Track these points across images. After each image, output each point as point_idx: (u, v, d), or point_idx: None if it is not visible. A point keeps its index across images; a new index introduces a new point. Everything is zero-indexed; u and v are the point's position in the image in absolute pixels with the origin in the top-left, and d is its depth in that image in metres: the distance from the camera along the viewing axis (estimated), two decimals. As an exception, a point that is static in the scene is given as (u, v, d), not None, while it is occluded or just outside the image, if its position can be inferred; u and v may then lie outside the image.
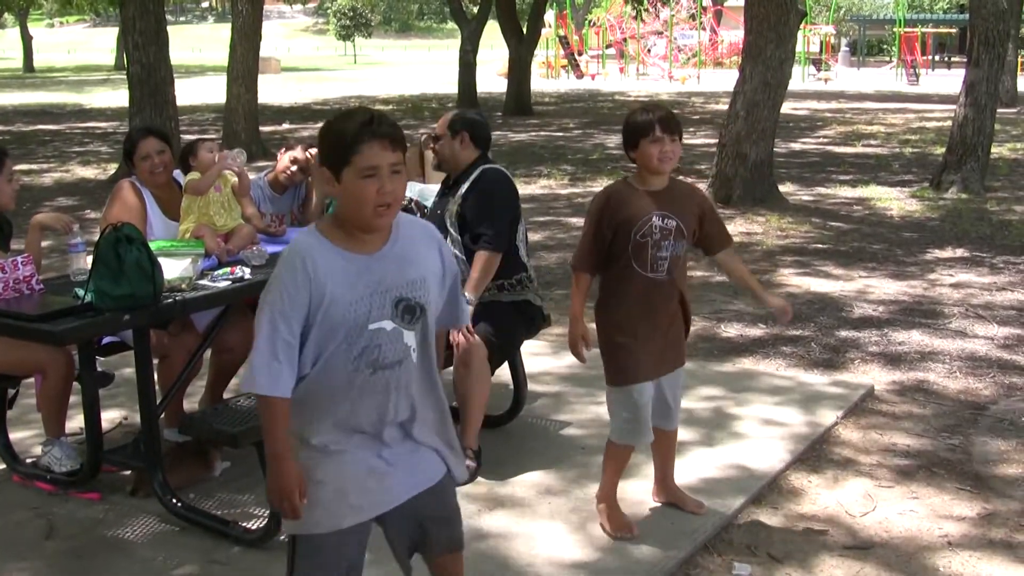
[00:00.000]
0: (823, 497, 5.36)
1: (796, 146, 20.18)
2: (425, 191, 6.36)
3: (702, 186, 14.34)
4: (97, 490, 5.48)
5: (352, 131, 3.32)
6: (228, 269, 5.48)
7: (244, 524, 5.02)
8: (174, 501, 5.17)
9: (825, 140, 21.44)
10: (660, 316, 4.81)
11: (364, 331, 3.33)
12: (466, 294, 5.63)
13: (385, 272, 3.38)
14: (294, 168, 6.61)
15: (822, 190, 15.05)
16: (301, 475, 3.35)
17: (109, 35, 68.91)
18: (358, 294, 3.33)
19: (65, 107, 34.62)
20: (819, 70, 42.76)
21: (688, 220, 4.76)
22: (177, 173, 6.19)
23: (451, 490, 3.70)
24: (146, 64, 15.50)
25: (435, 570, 3.78)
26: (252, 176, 6.59)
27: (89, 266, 4.96)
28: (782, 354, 7.57)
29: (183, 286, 5.17)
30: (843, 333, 8.05)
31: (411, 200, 6.24)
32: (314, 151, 6.63)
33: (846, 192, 14.86)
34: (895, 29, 48.13)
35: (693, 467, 5.63)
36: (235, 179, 6.07)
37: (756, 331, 8.14)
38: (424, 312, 3.43)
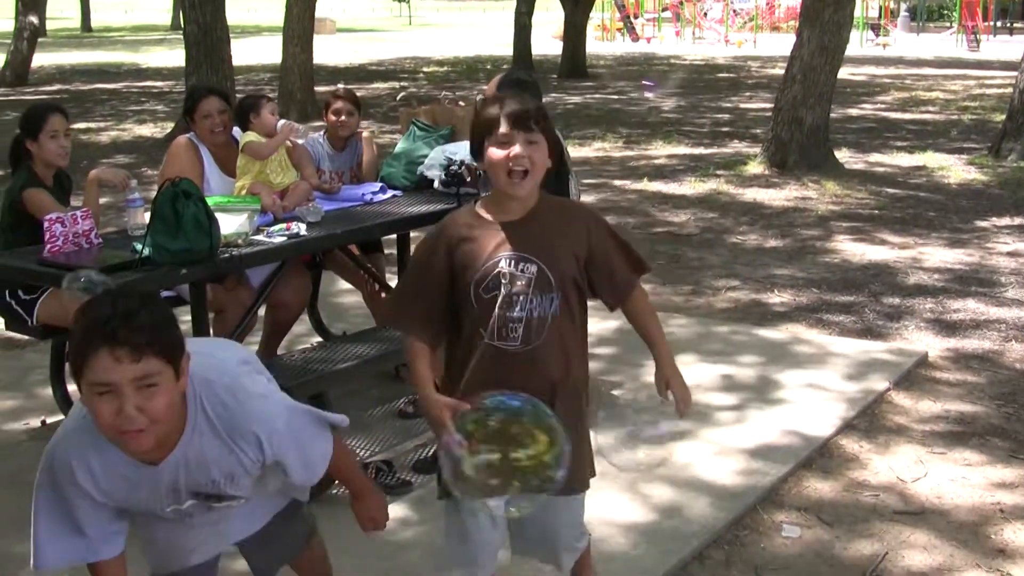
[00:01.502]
0: (874, 462, 5.34)
1: (853, 112, 19.97)
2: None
3: (756, 151, 14.26)
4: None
5: (79, 337, 2.57)
6: (284, 225, 5.52)
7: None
8: (228, 454, 5.23)
9: (882, 106, 21.20)
10: None
11: (162, 512, 2.96)
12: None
13: (175, 480, 2.87)
14: (343, 118, 6.63)
15: (878, 156, 14.90)
16: None
17: (166, -5, 69.28)
18: (144, 497, 2.88)
19: (122, 66, 34.80)
20: (877, 35, 42.22)
21: (560, 263, 3.34)
22: (237, 132, 6.23)
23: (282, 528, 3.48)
24: (202, 24, 15.57)
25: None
26: (311, 135, 6.63)
27: (147, 221, 5.02)
28: (835, 320, 7.53)
29: (239, 241, 5.21)
30: (897, 300, 7.99)
31: (462, 163, 6.25)
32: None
33: (903, 159, 14.70)
34: (956, -6, 47.51)
35: (744, 431, 5.63)
36: (290, 143, 6.12)
37: (810, 297, 8.10)
38: (236, 497, 3.02)
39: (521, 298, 3.30)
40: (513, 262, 3.30)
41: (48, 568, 2.89)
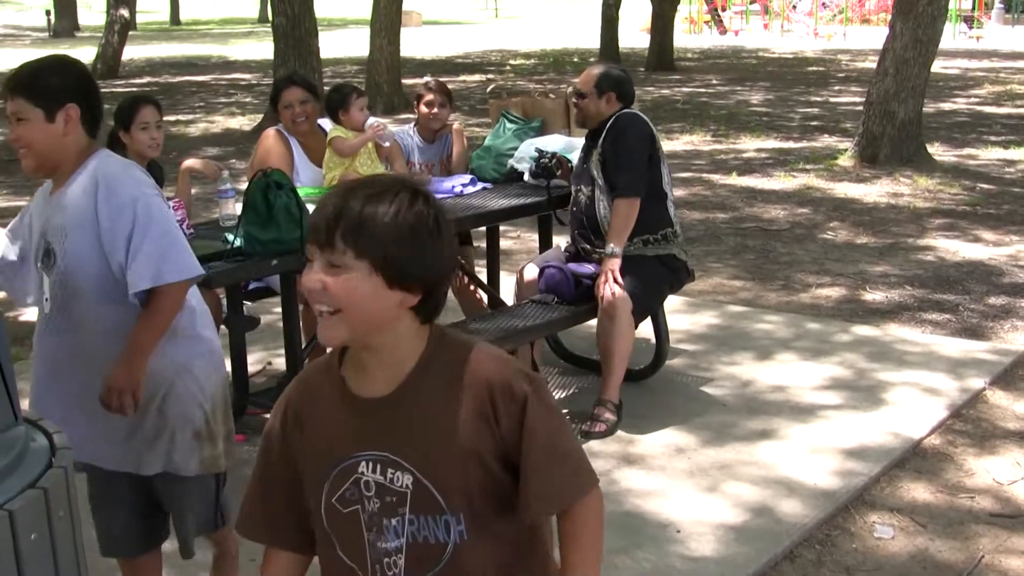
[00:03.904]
0: (970, 463, 5.24)
1: (946, 106, 19.65)
2: (570, 144, 6.33)
3: (846, 146, 14.06)
4: (242, 432, 5.58)
5: None
6: (373, 217, 5.52)
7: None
8: (316, 445, 5.25)
9: (976, 100, 20.84)
10: None
11: (32, 267, 3.44)
12: (611, 245, 5.61)
13: (45, 216, 3.38)
14: (435, 110, 6.62)
15: (972, 151, 14.64)
16: None
17: (254, -12, 69.89)
18: (30, 230, 3.46)
19: (210, 59, 35.15)
20: (970, 28, 41.55)
21: (452, 471, 2.14)
22: (325, 121, 6.25)
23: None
24: (291, 16, 15.68)
25: None
26: (396, 128, 6.64)
27: (238, 211, 5.04)
28: (930, 318, 7.40)
29: (330, 233, 5.21)
30: (993, 299, 7.83)
31: (553, 155, 6.21)
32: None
33: (997, 153, 14.43)
34: (1052, -14, 46.62)
35: (838, 430, 5.55)
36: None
37: (903, 294, 7.97)
38: (55, 259, 3.32)
39: (392, 521, 2.17)
40: (378, 467, 2.16)
41: None
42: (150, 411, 3.43)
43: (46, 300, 3.36)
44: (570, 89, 6.09)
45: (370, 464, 2.14)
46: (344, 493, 2.17)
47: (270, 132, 6.19)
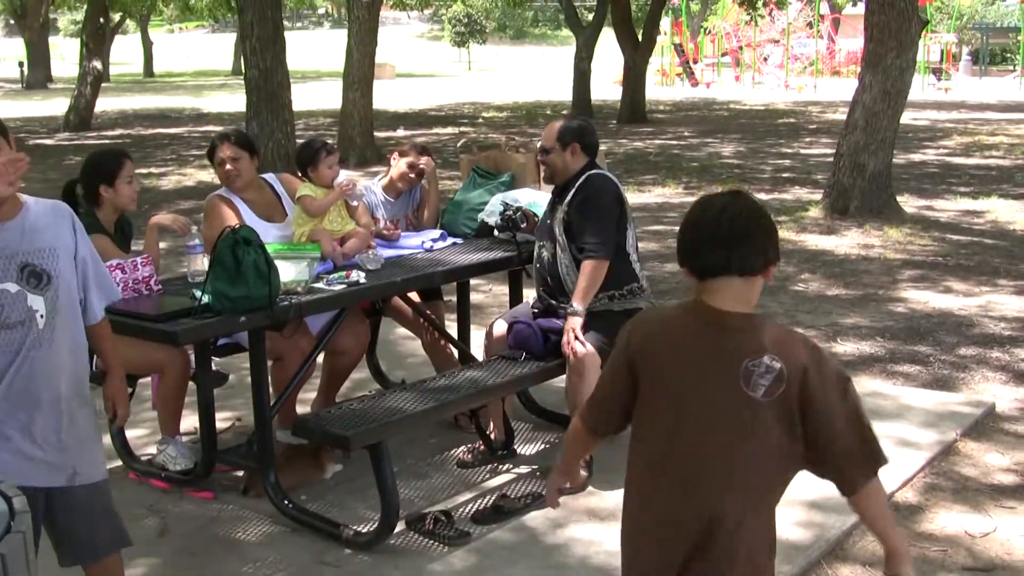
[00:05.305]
0: (941, 517, 5.23)
1: (916, 157, 19.80)
2: (538, 199, 6.33)
3: (817, 197, 14.13)
4: (210, 489, 5.55)
5: None
6: (343, 273, 5.52)
7: (355, 527, 5.04)
8: (286, 502, 5.22)
9: (945, 151, 21.01)
10: None
11: None
12: (574, 304, 5.59)
13: (10, 239, 3.56)
14: (412, 175, 6.62)
15: (942, 202, 14.73)
16: None
17: (227, 40, 69.94)
18: None
19: (183, 111, 35.22)
20: (939, 79, 42.00)
21: None
22: (271, 177, 6.23)
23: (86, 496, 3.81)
24: (263, 68, 15.67)
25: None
26: (365, 182, 6.62)
27: (206, 267, 5.02)
28: (902, 370, 7.41)
29: (298, 289, 5.20)
30: (964, 350, 7.85)
31: (519, 209, 6.21)
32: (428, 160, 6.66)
33: (967, 204, 14.54)
34: (1020, 37, 47.13)
35: (809, 483, 5.50)
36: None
37: (874, 346, 7.98)
38: (51, 280, 3.61)
39: None
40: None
41: None
42: (82, 422, 3.80)
43: (41, 316, 3.59)
44: (540, 144, 6.04)
45: None
46: None
47: (213, 199, 6.05)
